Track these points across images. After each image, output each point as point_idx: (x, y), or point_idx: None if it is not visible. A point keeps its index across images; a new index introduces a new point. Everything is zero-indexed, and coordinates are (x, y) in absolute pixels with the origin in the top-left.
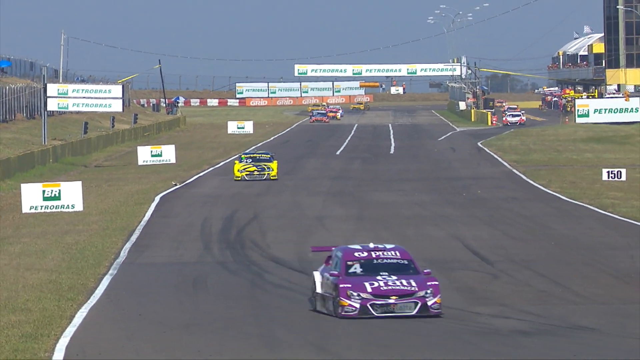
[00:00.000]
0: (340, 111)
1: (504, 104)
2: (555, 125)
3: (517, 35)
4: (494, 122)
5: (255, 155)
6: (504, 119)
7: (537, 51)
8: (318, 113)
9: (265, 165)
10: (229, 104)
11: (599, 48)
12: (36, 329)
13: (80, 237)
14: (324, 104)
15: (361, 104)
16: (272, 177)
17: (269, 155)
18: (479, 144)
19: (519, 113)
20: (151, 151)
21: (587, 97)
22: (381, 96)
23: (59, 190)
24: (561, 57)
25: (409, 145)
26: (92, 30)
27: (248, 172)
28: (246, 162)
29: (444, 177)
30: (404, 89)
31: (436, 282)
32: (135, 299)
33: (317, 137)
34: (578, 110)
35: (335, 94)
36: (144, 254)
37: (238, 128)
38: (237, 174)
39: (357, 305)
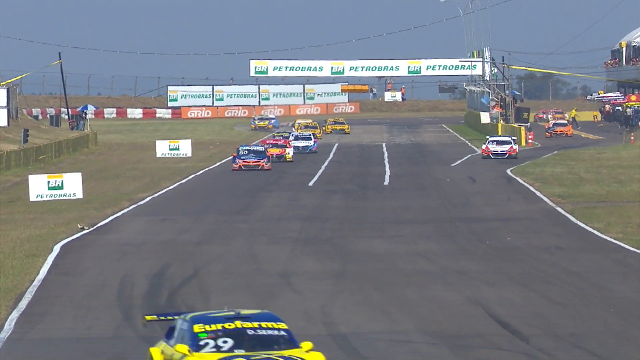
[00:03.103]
0: (310, 143)
1: (548, 115)
2: (616, 145)
3: (562, 21)
4: (529, 141)
5: None
6: (483, 147)
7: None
8: (249, 152)
9: None
10: (158, 115)
11: None
12: None
13: None
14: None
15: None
16: None
17: None
18: (508, 171)
19: (510, 140)
20: (48, 182)
21: None
22: (371, 104)
23: None
24: (624, 50)
25: (410, 172)
26: None
27: None
28: None
29: (460, 218)
30: (403, 94)
31: None
32: None
33: (282, 162)
34: None
35: (307, 101)
36: (38, 327)
37: (171, 150)
38: None
39: None
